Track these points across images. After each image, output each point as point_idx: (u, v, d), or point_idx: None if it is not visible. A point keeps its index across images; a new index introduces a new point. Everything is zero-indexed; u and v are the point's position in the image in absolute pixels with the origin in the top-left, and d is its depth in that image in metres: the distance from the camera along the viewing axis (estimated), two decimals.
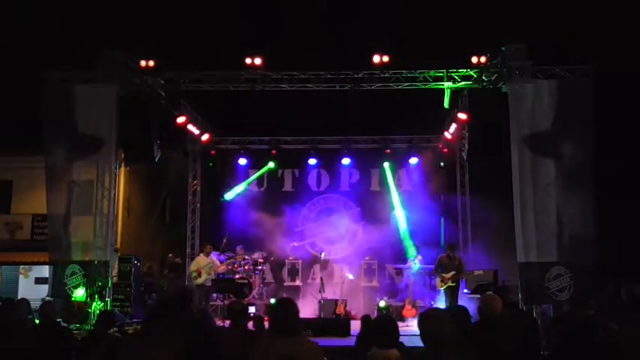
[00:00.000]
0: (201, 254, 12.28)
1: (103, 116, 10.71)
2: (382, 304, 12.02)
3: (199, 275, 11.71)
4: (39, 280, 15.66)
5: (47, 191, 10.80)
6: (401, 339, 3.94)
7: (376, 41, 11.92)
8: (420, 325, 3.52)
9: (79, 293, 10.32)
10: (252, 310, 11.24)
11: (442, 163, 14.69)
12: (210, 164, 15.24)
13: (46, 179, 10.88)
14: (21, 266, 16.34)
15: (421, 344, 3.47)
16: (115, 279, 12.11)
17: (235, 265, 13.11)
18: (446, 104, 11.50)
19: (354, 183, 15.32)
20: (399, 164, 15.05)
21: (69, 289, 10.35)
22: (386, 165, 14.82)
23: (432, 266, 11.81)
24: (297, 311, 3.72)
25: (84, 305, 10.34)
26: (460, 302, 10.69)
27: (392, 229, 14.23)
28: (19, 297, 15.28)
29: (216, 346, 3.76)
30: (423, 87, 11.34)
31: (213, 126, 14.80)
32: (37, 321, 6.97)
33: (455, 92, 11.60)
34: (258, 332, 5.79)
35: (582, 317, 4.31)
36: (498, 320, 4.70)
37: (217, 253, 12.91)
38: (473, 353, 3.60)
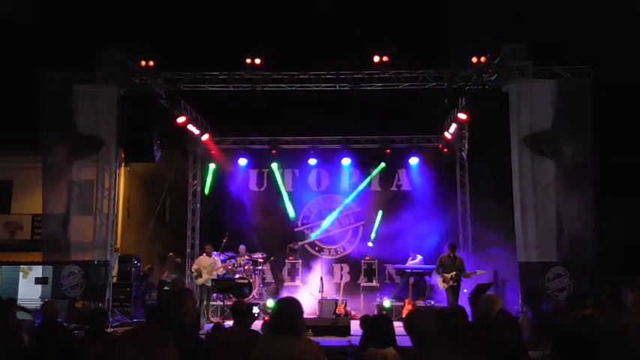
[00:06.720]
0: (204, 254, 12.28)
1: (103, 116, 10.72)
2: (387, 304, 12.02)
3: (200, 275, 11.71)
4: (39, 280, 15.66)
5: (43, 191, 10.80)
6: (403, 339, 3.93)
7: (376, 41, 11.90)
8: (406, 325, 3.52)
9: (78, 293, 10.32)
10: (255, 310, 11.23)
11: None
12: (214, 167, 15.17)
13: (42, 179, 10.89)
14: (21, 266, 16.35)
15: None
16: (114, 279, 12.12)
17: (235, 265, 13.09)
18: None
19: (354, 183, 15.30)
20: (399, 164, 15.04)
21: (66, 289, 10.34)
22: (382, 165, 14.80)
23: (433, 266, 11.81)
24: (301, 311, 3.68)
25: (84, 305, 10.34)
26: (460, 302, 10.71)
27: (392, 228, 14.20)
28: (19, 297, 15.38)
29: (211, 351, 3.74)
30: (423, 87, 11.33)
31: (213, 126, 14.79)
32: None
33: (455, 92, 11.57)
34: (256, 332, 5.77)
35: (580, 317, 4.31)
36: (495, 321, 4.69)
37: (217, 253, 12.90)
38: (473, 351, 3.59)
